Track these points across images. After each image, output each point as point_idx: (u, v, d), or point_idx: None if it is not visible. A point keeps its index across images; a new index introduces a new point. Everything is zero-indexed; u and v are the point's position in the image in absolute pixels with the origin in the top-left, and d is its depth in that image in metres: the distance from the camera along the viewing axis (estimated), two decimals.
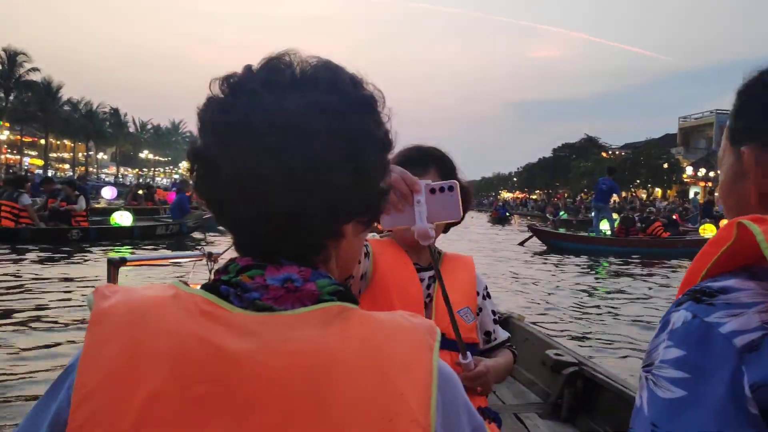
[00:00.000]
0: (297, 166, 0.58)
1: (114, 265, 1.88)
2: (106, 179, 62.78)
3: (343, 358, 0.55)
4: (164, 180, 71.49)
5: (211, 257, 1.98)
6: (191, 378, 0.54)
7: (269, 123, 0.58)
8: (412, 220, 1.11)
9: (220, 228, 0.72)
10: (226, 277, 0.60)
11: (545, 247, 14.81)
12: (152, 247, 11.50)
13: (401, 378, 0.56)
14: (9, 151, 63.45)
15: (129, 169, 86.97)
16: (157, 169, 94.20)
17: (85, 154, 76.45)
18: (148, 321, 0.57)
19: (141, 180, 63.82)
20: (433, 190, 1.12)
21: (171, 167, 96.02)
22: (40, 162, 65.17)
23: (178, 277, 6.65)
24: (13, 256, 9.07)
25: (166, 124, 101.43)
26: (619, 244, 14.26)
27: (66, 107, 66.33)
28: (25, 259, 8.96)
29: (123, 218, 12.80)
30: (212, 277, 0.62)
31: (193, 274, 2.43)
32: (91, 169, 74.54)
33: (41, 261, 8.88)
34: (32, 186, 13.30)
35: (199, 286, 0.61)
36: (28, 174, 30.70)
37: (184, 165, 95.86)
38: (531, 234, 15.85)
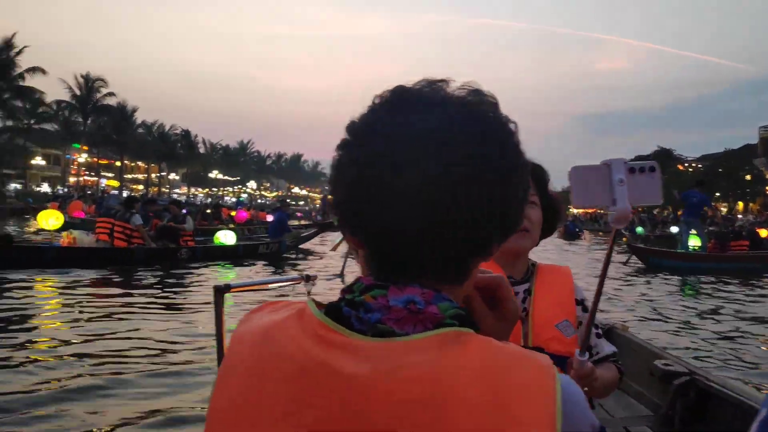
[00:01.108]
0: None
1: (220, 292, 1.86)
2: (178, 199, 64.64)
3: (460, 387, 0.53)
4: (232, 199, 73.01)
5: (309, 280, 1.92)
6: (308, 401, 0.54)
7: (408, 138, 0.58)
8: (609, 200, 1.07)
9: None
10: (350, 296, 0.60)
11: (642, 264, 14.04)
12: (253, 264, 11.75)
13: (523, 409, 0.53)
14: (87, 172, 66.47)
15: (199, 189, 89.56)
16: (225, 189, 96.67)
17: (158, 174, 79.24)
18: (270, 343, 0.58)
19: (210, 199, 65.39)
20: (632, 170, 1.07)
21: (239, 186, 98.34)
22: (115, 183, 67.91)
23: (279, 297, 6.66)
24: (128, 275, 9.22)
25: (235, 144, 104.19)
26: (724, 260, 13.39)
27: (140, 130, 69.04)
28: (141, 277, 9.12)
29: (227, 237, 13.03)
30: (308, 295, 0.62)
31: (293, 297, 2.41)
32: (163, 189, 77.14)
33: (155, 280, 9.02)
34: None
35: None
36: (129, 194, 31.78)
37: (251, 184, 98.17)
38: (630, 252, 14.91)
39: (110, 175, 71.55)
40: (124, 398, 3.93)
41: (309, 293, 1.89)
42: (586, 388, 1.32)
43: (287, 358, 0.56)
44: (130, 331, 5.80)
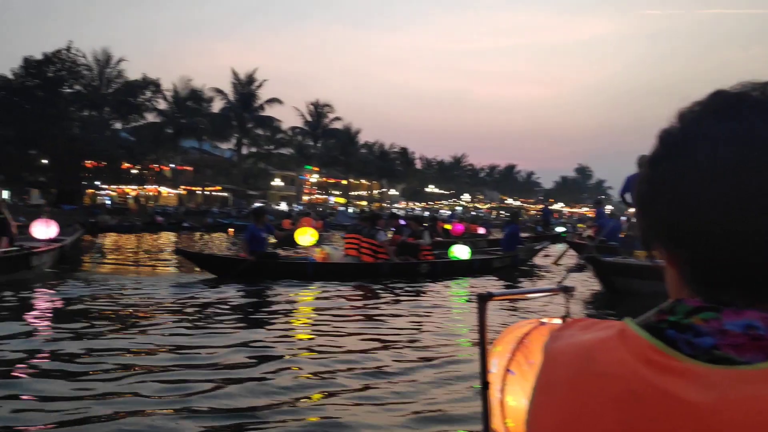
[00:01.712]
0: None
1: (483, 300, 1.69)
2: (397, 213, 67.31)
3: None
4: (447, 212, 74.15)
5: (567, 291, 1.70)
6: (641, 426, 0.52)
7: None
8: None
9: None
10: (673, 318, 0.57)
11: None
12: (489, 278, 11.62)
13: None
14: (318, 191, 72.34)
15: (416, 203, 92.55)
16: (440, 202, 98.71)
17: (379, 191, 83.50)
18: (594, 363, 0.57)
19: (428, 213, 66.95)
20: None
21: (453, 200, 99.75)
22: (342, 200, 72.81)
23: (539, 311, 6.89)
24: (376, 288, 9.54)
25: (449, 159, 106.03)
26: None
27: (363, 150, 73.33)
28: (388, 291, 9.37)
29: (461, 252, 12.88)
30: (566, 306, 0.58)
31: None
32: (384, 204, 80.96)
33: (401, 293, 9.19)
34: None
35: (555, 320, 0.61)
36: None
37: (465, 197, 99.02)
38: None
39: (337, 192, 76.94)
40: (384, 400, 3.97)
41: (567, 307, 1.63)
42: None
43: (615, 379, 0.54)
44: (385, 339, 5.87)
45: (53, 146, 39.13)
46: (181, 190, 55.29)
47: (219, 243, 22.73)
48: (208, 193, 57.92)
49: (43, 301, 7.80)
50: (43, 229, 10.54)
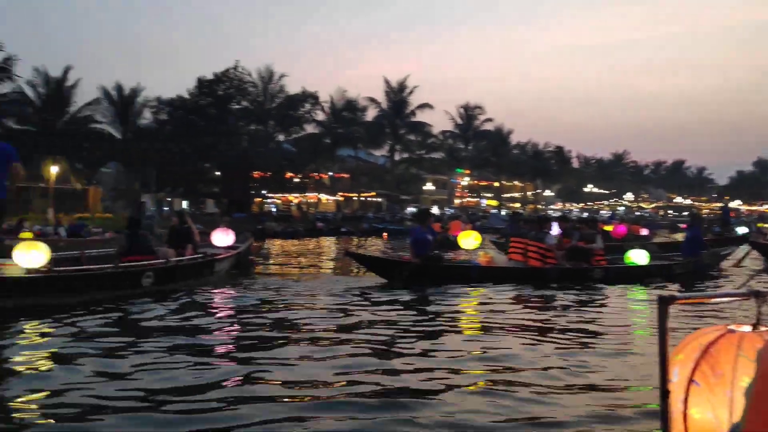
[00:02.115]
0: None
1: (664, 302, 1.72)
2: (553, 215, 65.13)
3: None
4: (608, 213, 70.39)
5: (759, 296, 1.71)
6: None
7: None
8: None
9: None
10: None
11: None
12: (664, 286, 10.71)
13: None
14: (469, 194, 72.05)
15: (574, 204, 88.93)
16: (600, 202, 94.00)
17: (533, 192, 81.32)
18: None
19: (586, 214, 64.08)
20: None
21: (614, 200, 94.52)
22: (494, 202, 71.89)
23: (719, 317, 6.51)
24: (544, 294, 9.22)
25: (609, 156, 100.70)
26: None
27: (515, 150, 71.86)
28: (557, 296, 9.00)
29: (638, 257, 11.92)
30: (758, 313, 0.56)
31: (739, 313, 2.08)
32: (539, 206, 78.74)
33: (571, 299, 8.78)
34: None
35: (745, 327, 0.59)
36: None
37: (627, 196, 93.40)
38: None
39: (489, 195, 76.11)
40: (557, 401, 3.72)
41: (759, 311, 1.64)
42: None
43: None
44: (557, 341, 5.63)
45: (225, 159, 42.72)
46: (339, 197, 57.78)
47: (375, 247, 23.43)
48: (363, 199, 60.00)
49: (231, 299, 8.54)
50: (223, 237, 11.46)
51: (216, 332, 6.25)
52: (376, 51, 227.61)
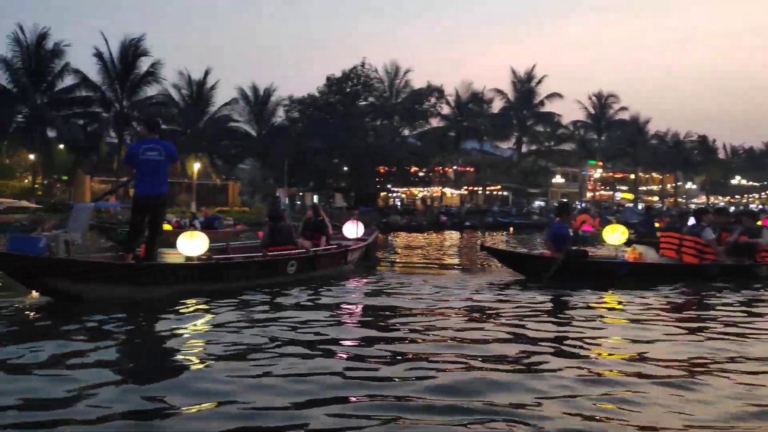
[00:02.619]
0: None
1: None
2: (694, 209, 60.47)
3: None
4: (757, 207, 64.18)
5: None
6: None
7: None
8: None
9: None
10: None
11: None
12: None
13: None
14: (602, 187, 68.59)
15: (719, 197, 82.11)
16: (750, 195, 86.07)
17: (673, 184, 75.99)
18: None
19: (733, 207, 58.97)
20: None
21: (766, 192, 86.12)
22: (630, 195, 68.01)
23: None
24: (702, 292, 8.49)
25: (760, 146, 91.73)
26: None
27: (653, 141, 67.50)
28: (717, 295, 8.25)
29: None
30: None
31: None
32: (679, 199, 73.51)
33: (732, 298, 8.02)
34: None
35: None
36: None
37: None
38: None
39: (624, 188, 72.13)
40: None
41: None
42: None
43: None
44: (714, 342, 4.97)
45: (352, 155, 43.74)
46: (463, 191, 57.28)
47: (500, 241, 22.84)
48: (488, 192, 59.07)
49: (367, 287, 8.65)
50: (353, 229, 11.76)
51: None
52: (501, 42, 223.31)
